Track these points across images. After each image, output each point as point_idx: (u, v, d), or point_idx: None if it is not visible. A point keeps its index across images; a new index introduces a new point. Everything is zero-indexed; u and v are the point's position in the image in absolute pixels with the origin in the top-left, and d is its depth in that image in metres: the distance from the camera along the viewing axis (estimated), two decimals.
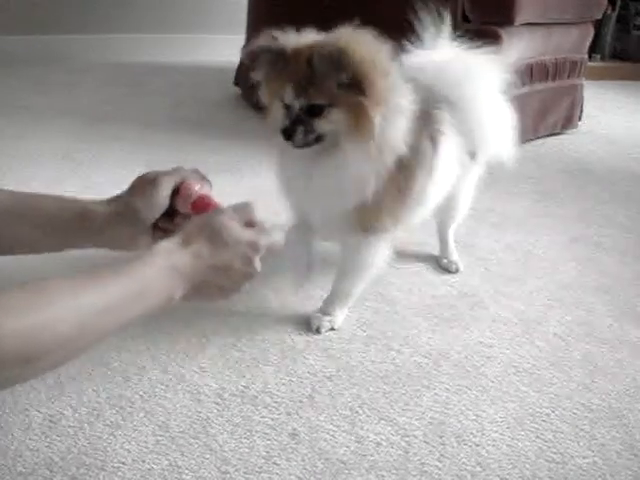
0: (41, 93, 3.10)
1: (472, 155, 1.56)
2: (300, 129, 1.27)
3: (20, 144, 2.40)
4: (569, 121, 3.18)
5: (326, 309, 1.48)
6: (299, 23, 3.01)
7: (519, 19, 2.51)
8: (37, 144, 2.42)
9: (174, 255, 0.94)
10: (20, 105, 2.89)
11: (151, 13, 3.91)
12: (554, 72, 2.96)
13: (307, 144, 1.29)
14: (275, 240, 1.11)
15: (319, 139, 1.29)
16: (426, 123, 1.38)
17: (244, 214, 1.04)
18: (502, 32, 2.48)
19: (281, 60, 1.27)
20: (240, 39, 3.17)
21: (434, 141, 1.41)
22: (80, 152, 2.37)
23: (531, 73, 2.82)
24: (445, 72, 1.50)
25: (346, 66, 1.21)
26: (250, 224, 1.04)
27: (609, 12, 4.55)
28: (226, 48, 3.57)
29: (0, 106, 2.83)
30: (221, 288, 1.02)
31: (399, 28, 1.44)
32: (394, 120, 1.29)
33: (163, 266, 0.92)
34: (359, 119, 1.25)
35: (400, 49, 1.40)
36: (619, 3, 4.73)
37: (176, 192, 1.10)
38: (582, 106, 3.24)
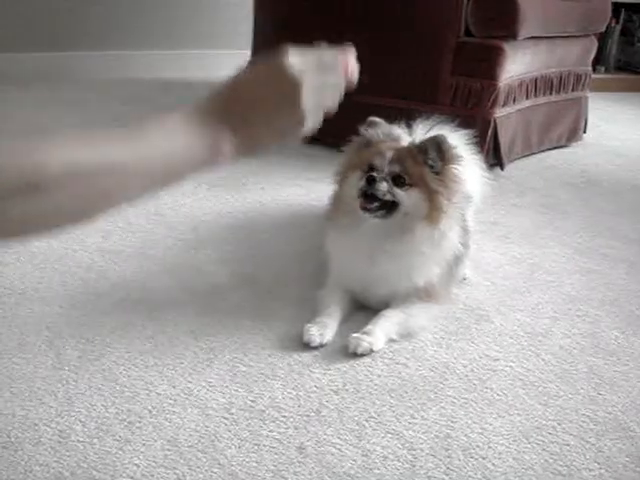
0: (48, 110, 3.12)
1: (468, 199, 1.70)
2: (383, 186, 1.43)
3: None
4: (574, 133, 3.19)
5: (368, 333, 1.45)
6: (304, 39, 3.03)
7: (523, 33, 2.53)
8: None
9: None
10: (30, 122, 2.91)
11: (159, 30, 3.94)
12: (558, 85, 2.97)
13: (380, 209, 1.45)
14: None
15: (392, 210, 1.45)
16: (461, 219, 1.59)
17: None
18: (506, 46, 2.50)
19: (370, 144, 1.52)
20: (246, 55, 3.20)
21: (467, 233, 1.63)
22: None
23: (535, 86, 2.83)
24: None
25: (447, 159, 1.46)
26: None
27: (613, 24, 4.58)
28: (233, 64, 3.59)
29: (10, 123, 2.85)
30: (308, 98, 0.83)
31: None
32: (454, 219, 1.51)
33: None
34: (435, 210, 1.45)
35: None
36: (623, 15, 4.75)
37: None
38: (587, 118, 3.24)
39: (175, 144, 0.80)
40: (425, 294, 1.53)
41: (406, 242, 1.48)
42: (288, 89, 0.82)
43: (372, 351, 1.42)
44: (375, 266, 1.50)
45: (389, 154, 1.46)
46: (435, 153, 1.46)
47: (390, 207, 1.46)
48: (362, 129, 1.55)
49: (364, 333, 1.44)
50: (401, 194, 1.44)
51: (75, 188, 0.72)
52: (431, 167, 1.46)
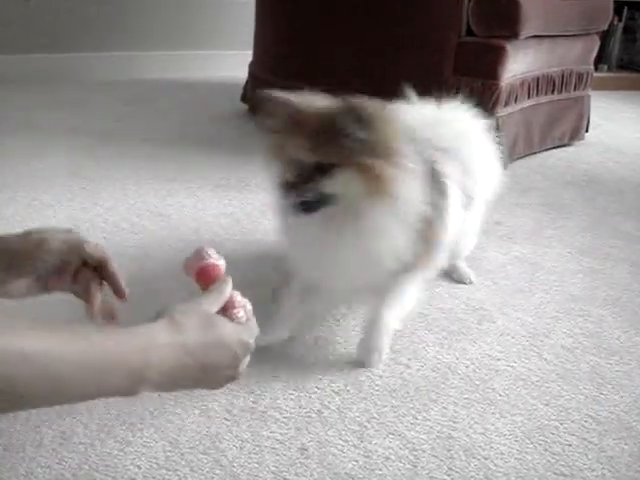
0: (51, 111, 3.12)
1: (470, 198, 1.52)
2: (306, 186, 1.22)
3: (31, 161, 2.42)
4: (576, 132, 3.18)
5: (373, 343, 1.40)
6: (304, 40, 3.04)
7: (524, 32, 2.52)
8: (48, 161, 2.44)
9: (158, 337, 0.83)
10: (31, 123, 2.92)
11: (161, 30, 3.94)
12: (560, 84, 2.97)
13: (311, 208, 1.24)
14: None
15: (326, 202, 1.24)
16: (433, 179, 1.36)
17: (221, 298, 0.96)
18: (507, 45, 2.49)
19: (295, 117, 1.23)
20: (247, 55, 3.20)
21: (443, 194, 1.39)
22: (90, 169, 2.39)
23: (537, 85, 2.83)
24: (444, 127, 1.50)
25: (371, 126, 1.18)
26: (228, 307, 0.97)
27: (615, 23, 4.57)
28: (233, 64, 3.60)
29: (11, 124, 2.86)
30: (199, 385, 0.94)
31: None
32: (409, 181, 1.26)
33: (138, 346, 0.81)
34: (378, 182, 1.22)
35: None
36: (626, 14, 4.74)
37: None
38: (589, 117, 3.24)
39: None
40: (400, 271, 1.36)
41: (357, 226, 1.27)
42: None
43: (381, 361, 1.41)
44: (330, 260, 1.33)
45: (301, 142, 1.22)
46: (356, 125, 1.18)
47: (325, 199, 1.24)
48: (264, 110, 1.30)
49: (373, 349, 1.40)
50: (328, 184, 1.22)
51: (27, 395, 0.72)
52: (356, 141, 1.19)
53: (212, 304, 0.94)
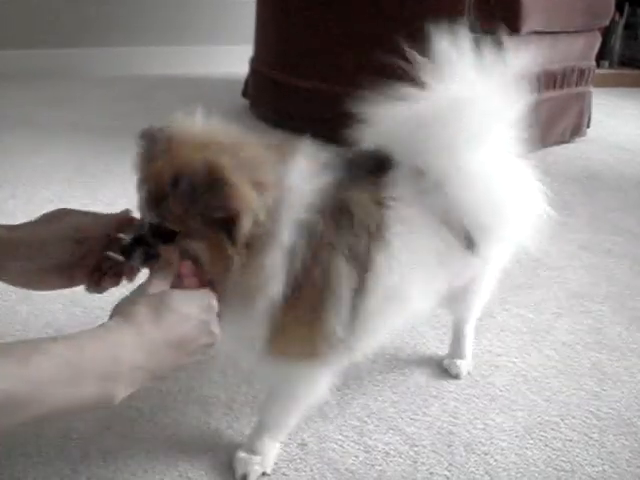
0: (52, 107, 3.12)
1: (470, 244, 1.10)
2: (140, 251, 0.97)
3: (32, 158, 2.42)
4: (577, 129, 3.18)
5: (254, 447, 1.11)
6: (304, 35, 3.02)
7: (525, 28, 2.52)
8: (49, 158, 2.44)
9: (119, 336, 0.82)
10: (31, 120, 2.91)
11: (160, 26, 3.94)
12: (562, 80, 2.96)
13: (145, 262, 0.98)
14: None
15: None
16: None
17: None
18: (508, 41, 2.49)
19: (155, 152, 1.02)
20: (248, 50, 3.19)
21: (373, 246, 1.00)
22: (91, 165, 2.39)
23: (538, 82, 2.82)
24: (422, 132, 1.06)
25: (216, 199, 0.89)
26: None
27: (617, 19, 4.56)
28: (234, 60, 3.59)
29: (11, 121, 2.86)
30: (179, 362, 0.89)
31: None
32: (264, 258, 0.94)
33: (103, 350, 0.79)
34: (215, 257, 0.93)
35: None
36: (627, 10, 4.73)
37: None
38: (590, 114, 3.23)
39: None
40: (273, 347, 1.01)
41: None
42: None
43: (265, 473, 1.10)
44: None
45: (145, 195, 0.97)
46: (199, 197, 0.90)
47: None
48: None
49: (251, 453, 1.11)
50: (167, 252, 0.95)
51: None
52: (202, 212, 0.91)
53: (160, 282, 0.91)
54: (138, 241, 0.96)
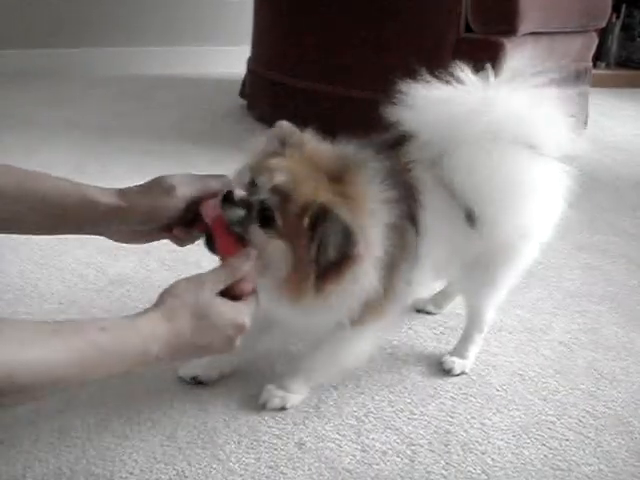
0: (52, 107, 3.12)
1: (470, 219, 1.20)
2: (240, 213, 1.02)
3: (31, 157, 2.42)
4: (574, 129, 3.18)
5: (284, 383, 1.24)
6: (302, 35, 3.03)
7: (522, 29, 2.52)
8: (48, 157, 2.44)
9: (155, 329, 0.91)
10: (30, 119, 2.91)
11: (158, 26, 3.94)
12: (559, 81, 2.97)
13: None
14: None
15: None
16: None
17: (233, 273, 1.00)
18: (506, 42, 2.49)
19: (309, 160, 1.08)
20: (246, 51, 3.20)
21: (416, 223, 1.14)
22: (89, 164, 2.39)
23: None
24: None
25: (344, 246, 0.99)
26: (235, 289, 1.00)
27: (614, 20, 4.57)
28: (232, 60, 3.60)
29: (11, 120, 2.86)
30: (194, 356, 1.11)
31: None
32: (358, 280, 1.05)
33: (138, 342, 0.89)
34: (295, 269, 1.02)
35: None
36: (624, 11, 4.74)
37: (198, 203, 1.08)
38: (587, 114, 3.24)
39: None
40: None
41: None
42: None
43: (284, 408, 1.22)
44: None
45: (277, 177, 1.03)
46: (333, 245, 0.99)
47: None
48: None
49: (279, 387, 1.24)
50: (256, 232, 1.02)
51: (34, 393, 0.81)
52: (322, 253, 1.00)
53: (219, 282, 0.98)
54: (246, 203, 1.02)
